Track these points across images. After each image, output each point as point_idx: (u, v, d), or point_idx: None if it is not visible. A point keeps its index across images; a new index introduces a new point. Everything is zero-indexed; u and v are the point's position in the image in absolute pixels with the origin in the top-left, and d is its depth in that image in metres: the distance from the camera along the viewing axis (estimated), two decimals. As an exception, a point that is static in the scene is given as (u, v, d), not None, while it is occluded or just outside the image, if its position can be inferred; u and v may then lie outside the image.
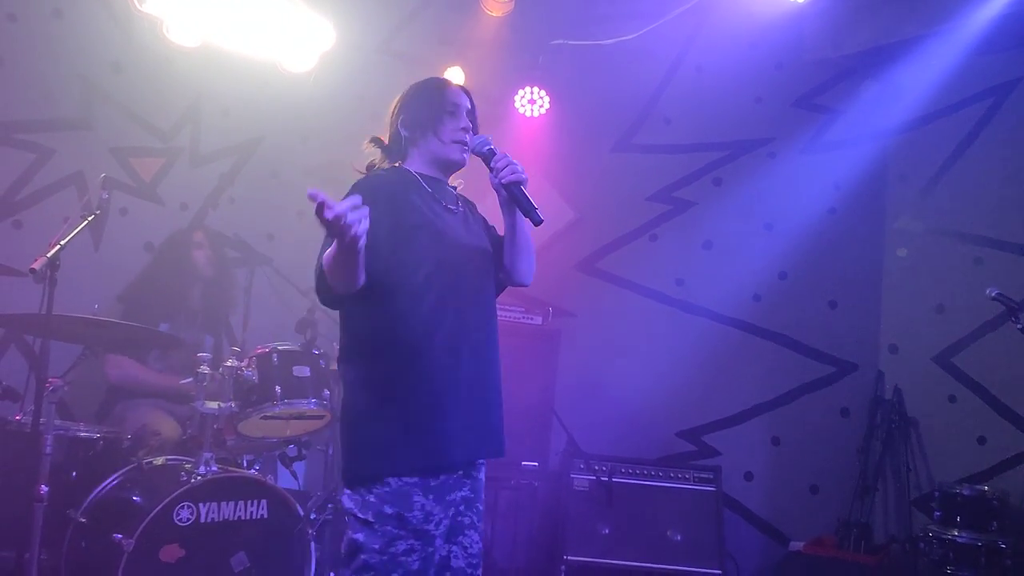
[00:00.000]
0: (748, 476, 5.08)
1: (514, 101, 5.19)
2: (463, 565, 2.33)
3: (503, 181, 2.36)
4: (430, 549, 2.21)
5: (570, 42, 5.17)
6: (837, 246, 5.14)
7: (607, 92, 5.31)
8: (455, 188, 2.53)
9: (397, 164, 2.47)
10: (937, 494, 4.37)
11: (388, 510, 2.16)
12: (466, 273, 2.35)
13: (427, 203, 2.35)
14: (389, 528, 2.16)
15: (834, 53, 5.07)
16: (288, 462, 3.95)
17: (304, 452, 3.95)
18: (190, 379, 3.39)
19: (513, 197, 2.36)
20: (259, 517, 3.25)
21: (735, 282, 5.21)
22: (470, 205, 2.57)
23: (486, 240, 2.49)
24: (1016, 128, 4.74)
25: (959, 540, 4.11)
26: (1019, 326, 3.45)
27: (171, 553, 3.00)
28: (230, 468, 3.40)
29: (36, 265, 2.82)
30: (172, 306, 4.15)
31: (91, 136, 4.55)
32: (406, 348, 2.23)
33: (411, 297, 2.25)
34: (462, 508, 2.34)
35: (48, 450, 2.95)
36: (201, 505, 3.10)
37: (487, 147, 2.42)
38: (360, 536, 2.17)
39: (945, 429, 4.80)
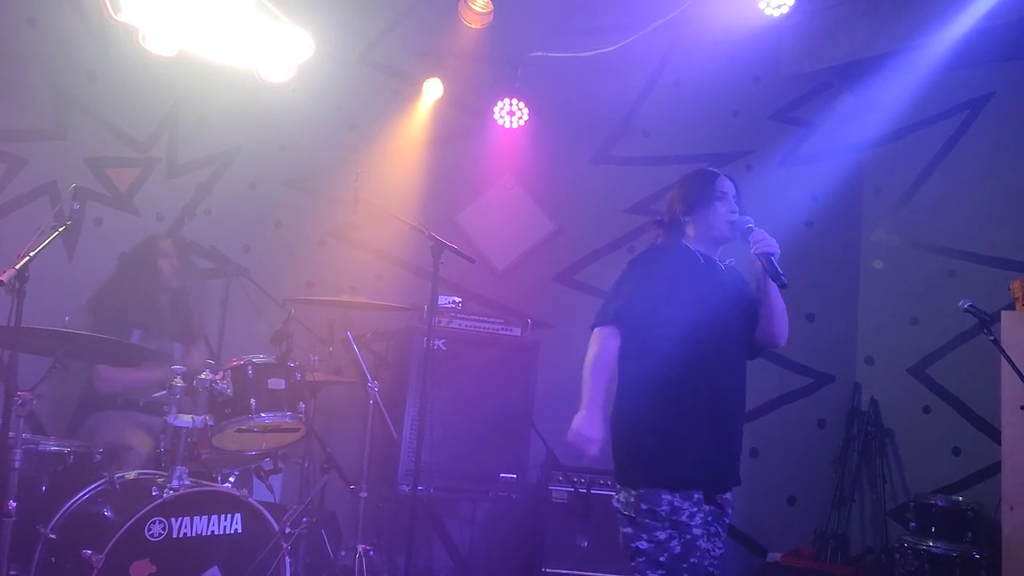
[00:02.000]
0: (726, 487, 5.08)
1: (493, 112, 5.18)
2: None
3: (756, 252, 2.80)
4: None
5: (549, 54, 5.18)
6: (814, 259, 5.17)
7: (586, 104, 5.32)
8: (726, 261, 2.98)
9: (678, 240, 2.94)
10: (912, 505, 4.40)
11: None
12: (731, 318, 2.85)
13: (702, 269, 2.85)
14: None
15: (810, 67, 5.13)
16: (264, 475, 3.90)
17: (280, 465, 3.90)
18: (163, 392, 3.35)
19: (764, 264, 2.79)
20: (233, 532, 3.21)
21: (714, 294, 5.22)
22: (735, 272, 3.01)
23: (747, 295, 2.94)
24: (990, 141, 4.80)
25: (934, 551, 4.13)
26: (991, 338, 3.49)
27: (142, 569, 2.95)
28: (203, 482, 3.36)
29: (3, 277, 2.77)
30: (143, 313, 4.09)
31: (65, 146, 4.51)
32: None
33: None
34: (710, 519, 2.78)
35: (17, 464, 2.90)
36: (173, 520, 3.06)
37: (747, 226, 2.88)
38: None
39: (920, 440, 4.83)
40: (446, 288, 4.80)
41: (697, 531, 2.61)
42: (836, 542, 4.84)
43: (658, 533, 2.60)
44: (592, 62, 5.08)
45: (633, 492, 2.68)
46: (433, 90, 5.14)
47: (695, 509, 2.63)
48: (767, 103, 5.34)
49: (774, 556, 4.80)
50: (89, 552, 2.87)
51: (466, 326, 4.67)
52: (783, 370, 5.16)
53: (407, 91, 5.21)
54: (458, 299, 4.71)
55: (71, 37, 4.49)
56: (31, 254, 2.88)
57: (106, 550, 2.85)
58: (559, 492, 4.58)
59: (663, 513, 2.61)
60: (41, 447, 3.26)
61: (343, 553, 4.09)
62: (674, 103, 5.37)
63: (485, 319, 4.77)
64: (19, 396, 2.89)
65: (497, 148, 5.31)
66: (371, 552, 3.86)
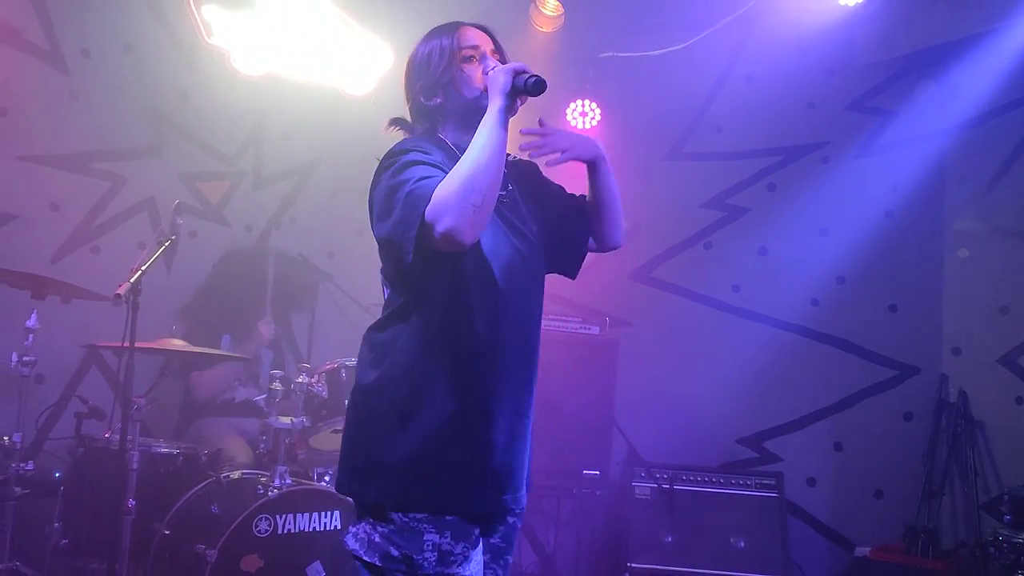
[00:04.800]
0: (811, 482, 5.05)
1: (566, 114, 5.25)
2: None
3: (501, 83, 1.90)
4: None
5: (619, 54, 5.23)
6: (896, 249, 5.09)
7: (657, 102, 5.35)
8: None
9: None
10: (1006, 497, 4.30)
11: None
12: (518, 279, 1.99)
13: None
14: None
15: (887, 55, 5.04)
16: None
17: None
18: (264, 395, 3.53)
19: (515, 86, 1.91)
20: (333, 528, 3.36)
21: (792, 287, 5.19)
22: (527, 174, 2.20)
23: (538, 224, 2.09)
24: (1078, 124, 4.66)
25: (1031, 544, 4.04)
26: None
27: (251, 563, 3.12)
28: (303, 481, 3.52)
29: (120, 291, 2.97)
30: (233, 319, 4.29)
31: (161, 163, 4.75)
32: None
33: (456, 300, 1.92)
34: None
35: (135, 466, 3.09)
36: (278, 517, 3.22)
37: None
38: None
39: (1012, 431, 4.72)
40: (524, 289, 4.89)
41: None
42: (927, 536, 4.75)
43: None
44: (662, 61, 5.10)
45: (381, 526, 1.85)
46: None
47: (472, 551, 1.85)
48: (843, 94, 5.27)
49: (862, 551, 4.75)
50: (203, 547, 3.04)
51: (545, 326, 4.70)
52: (866, 362, 5.09)
53: (481, 96, 5.31)
54: (536, 299, 4.78)
55: (164, 61, 4.72)
56: (143, 268, 3.07)
57: (219, 545, 3.02)
58: (642, 488, 4.63)
59: (426, 565, 1.79)
60: (154, 449, 3.47)
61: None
62: (746, 98, 5.35)
63: (563, 318, 4.84)
64: (135, 402, 3.08)
65: (571, 149, 5.37)
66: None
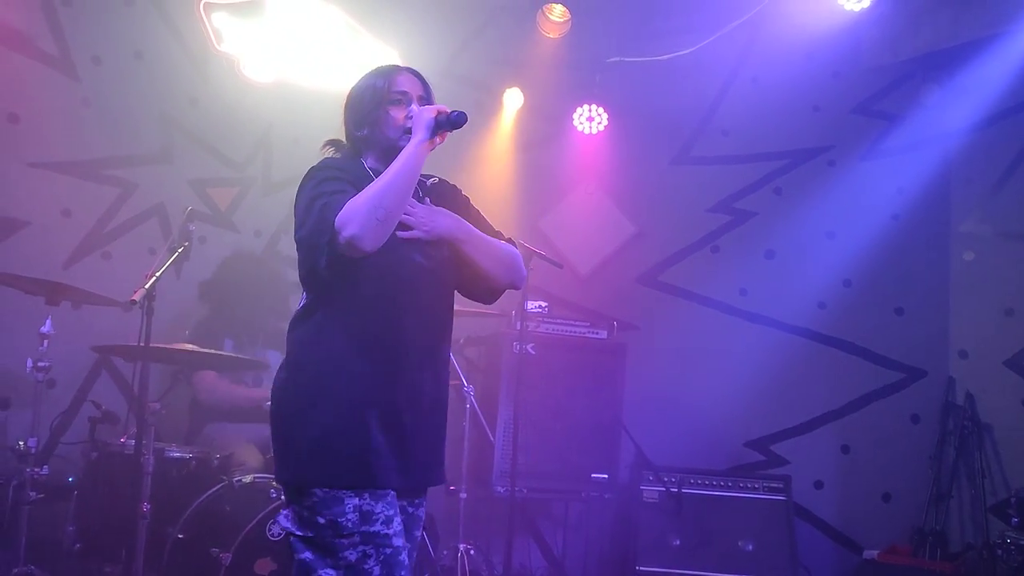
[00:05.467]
0: (818, 485, 5.07)
1: (572, 119, 5.27)
2: None
3: (423, 123, 2.10)
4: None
5: (626, 59, 5.25)
6: (902, 252, 5.11)
7: (664, 106, 5.37)
8: (429, 180, 2.31)
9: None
10: (1014, 500, 4.32)
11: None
12: (420, 288, 2.16)
13: None
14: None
15: (892, 59, 5.07)
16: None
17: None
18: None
19: (439, 124, 2.12)
20: (345, 531, 3.37)
21: (799, 291, 5.21)
22: (449, 198, 2.35)
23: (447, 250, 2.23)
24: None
25: (1039, 546, 4.05)
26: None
27: (265, 566, 3.14)
28: (314, 484, 3.53)
29: (136, 296, 3.00)
30: (235, 323, 4.30)
31: (171, 169, 4.78)
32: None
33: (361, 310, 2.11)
34: None
35: (150, 469, 3.12)
36: (290, 520, 3.23)
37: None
38: None
39: (1020, 434, 4.73)
40: (532, 293, 4.90)
41: (398, 542, 2.02)
42: (935, 539, 4.77)
43: (347, 553, 1.97)
44: (669, 65, 5.13)
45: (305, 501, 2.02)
46: (513, 100, 5.26)
47: (391, 512, 2.03)
48: (848, 97, 5.30)
49: (870, 554, 4.76)
50: (217, 550, 3.07)
51: (554, 330, 4.76)
52: (872, 365, 5.11)
53: (488, 102, 5.34)
54: (544, 304, 4.81)
55: (175, 67, 4.76)
56: (156, 274, 3.10)
57: (233, 548, 3.04)
58: (650, 491, 4.64)
59: (350, 524, 1.98)
60: (167, 453, 3.49)
61: (444, 552, 4.23)
62: (753, 102, 5.37)
63: (572, 323, 4.86)
64: (150, 406, 3.11)
65: (577, 154, 5.40)
66: (472, 551, 3.99)
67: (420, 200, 2.23)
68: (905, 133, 5.18)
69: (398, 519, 2.04)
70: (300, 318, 2.19)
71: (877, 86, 5.27)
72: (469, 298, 2.40)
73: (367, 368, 2.07)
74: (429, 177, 2.34)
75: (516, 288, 2.40)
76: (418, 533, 2.24)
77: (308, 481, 2.02)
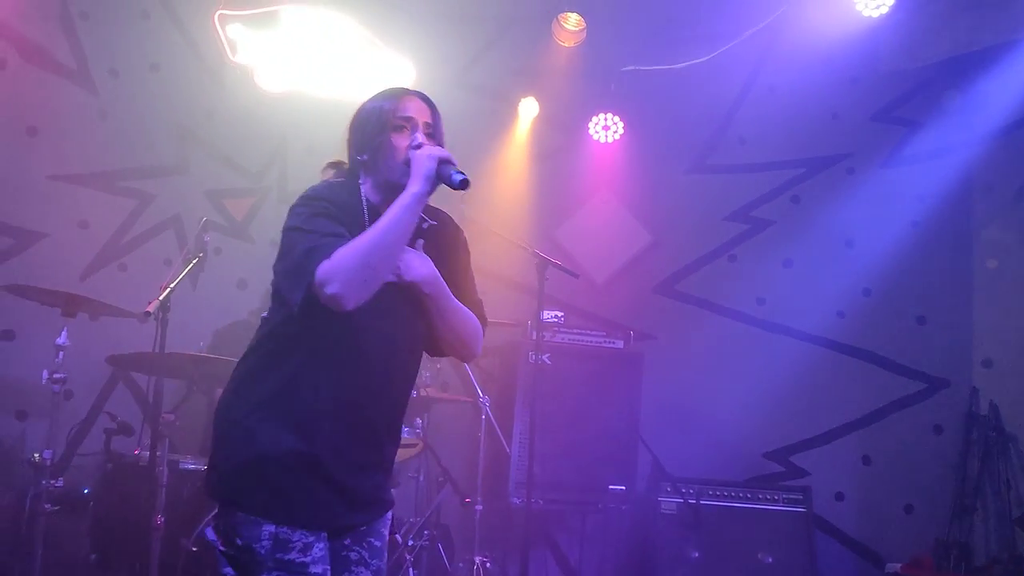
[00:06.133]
0: (839, 496, 5.00)
1: (588, 128, 5.25)
2: None
3: (423, 168, 2.00)
4: None
5: (642, 68, 5.22)
6: (923, 260, 5.05)
7: (680, 115, 5.34)
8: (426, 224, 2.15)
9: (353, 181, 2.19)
10: (1041, 513, 4.24)
11: None
12: (395, 341, 2.10)
13: (360, 227, 2.03)
14: None
15: (912, 65, 5.02)
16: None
17: (397, 480, 4.05)
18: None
19: (439, 175, 2.01)
20: (359, 544, 3.34)
21: (818, 300, 5.16)
22: (446, 243, 2.25)
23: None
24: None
25: (1067, 561, 3.97)
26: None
27: (278, 580, 3.11)
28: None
29: (150, 308, 3.00)
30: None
31: (187, 180, 4.80)
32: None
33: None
34: None
35: (164, 481, 3.11)
36: (305, 533, 3.21)
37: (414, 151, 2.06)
38: None
39: (1047, 445, 4.65)
40: (547, 303, 4.86)
41: (316, 569, 1.95)
42: (959, 552, 4.69)
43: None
44: (685, 73, 5.09)
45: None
46: (529, 109, 5.25)
47: (310, 539, 1.96)
48: (867, 104, 5.25)
49: (893, 567, 4.69)
50: (230, 565, 3.04)
51: (569, 340, 4.73)
52: (894, 375, 5.04)
53: (503, 111, 5.33)
54: (560, 313, 4.78)
55: (190, 79, 4.78)
56: (171, 285, 3.10)
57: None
58: (668, 503, 4.59)
59: (263, 552, 1.93)
60: (181, 465, 3.49)
61: (460, 565, 4.20)
62: (770, 110, 5.33)
63: (588, 332, 4.82)
64: (164, 418, 3.10)
65: (593, 163, 5.38)
66: (488, 564, 3.96)
67: (412, 244, 2.09)
68: (925, 140, 5.12)
69: (319, 546, 1.96)
70: (253, 350, 2.09)
71: (896, 92, 5.21)
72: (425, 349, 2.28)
73: (305, 431, 1.97)
74: (429, 218, 2.16)
75: (463, 361, 2.37)
76: (378, 563, 2.12)
77: (230, 501, 1.99)
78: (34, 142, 4.43)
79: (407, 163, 2.03)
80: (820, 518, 4.84)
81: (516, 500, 4.34)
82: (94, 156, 4.57)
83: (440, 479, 4.13)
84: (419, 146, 2.05)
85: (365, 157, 2.12)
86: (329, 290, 1.85)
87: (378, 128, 2.10)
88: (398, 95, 2.16)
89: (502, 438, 4.32)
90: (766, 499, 4.65)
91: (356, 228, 1.99)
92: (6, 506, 3.59)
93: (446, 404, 4.70)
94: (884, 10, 4.53)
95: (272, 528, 1.92)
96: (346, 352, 2.01)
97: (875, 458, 5.00)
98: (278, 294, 2.04)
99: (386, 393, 2.09)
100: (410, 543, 3.54)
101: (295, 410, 1.98)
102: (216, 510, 2.09)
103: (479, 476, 4.14)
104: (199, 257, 3.38)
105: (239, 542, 1.93)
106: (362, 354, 2.03)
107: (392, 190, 2.04)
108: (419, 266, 2.09)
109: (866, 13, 4.58)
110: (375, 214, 2.01)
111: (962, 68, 4.90)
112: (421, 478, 4.24)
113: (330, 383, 2.00)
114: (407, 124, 2.10)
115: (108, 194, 4.60)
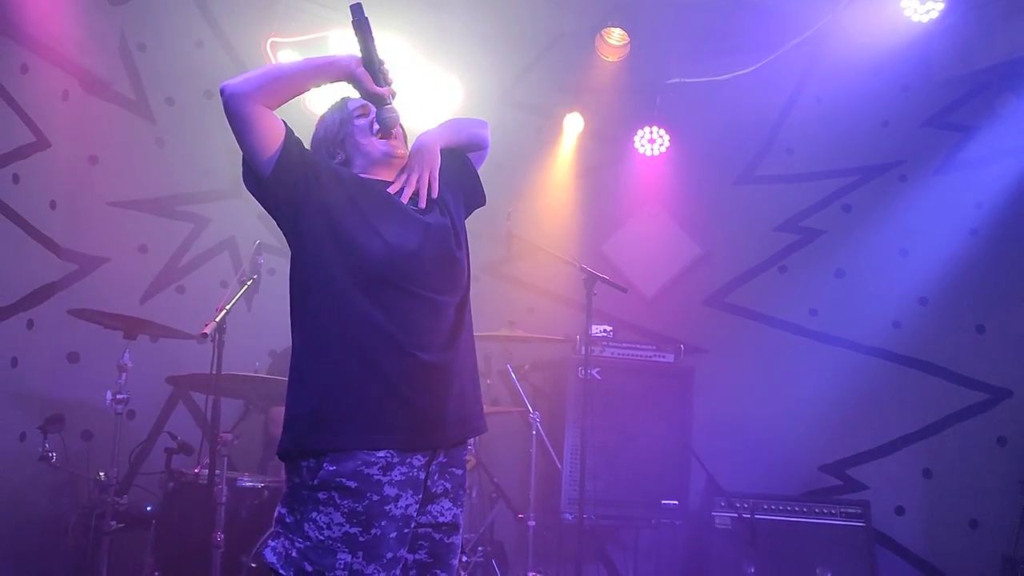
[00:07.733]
0: (899, 511, 4.89)
1: (634, 141, 5.25)
2: None
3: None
4: None
5: (687, 80, 5.22)
6: (981, 268, 4.93)
7: (726, 126, 5.31)
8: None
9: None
10: (1113, 527, 4.09)
11: None
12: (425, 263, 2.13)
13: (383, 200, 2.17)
14: None
15: (966, 69, 4.92)
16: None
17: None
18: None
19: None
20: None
21: (872, 310, 5.07)
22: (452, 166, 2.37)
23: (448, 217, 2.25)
24: None
25: None
26: None
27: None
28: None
29: (207, 329, 3.07)
30: None
31: (241, 204, 4.89)
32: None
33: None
34: None
35: (223, 499, 3.18)
36: (360, 549, 3.25)
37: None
38: None
39: (1116, 456, 4.50)
40: (596, 317, 4.85)
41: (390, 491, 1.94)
42: (1027, 568, 4.55)
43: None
44: (730, 85, 5.07)
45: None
46: (574, 124, 5.28)
47: (395, 460, 1.97)
48: (919, 111, 5.16)
49: (958, 583, 4.57)
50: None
51: (619, 354, 4.72)
52: (954, 385, 4.92)
53: (549, 127, 5.37)
54: (609, 328, 4.77)
55: (243, 104, 4.89)
56: (227, 307, 3.18)
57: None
58: (722, 518, 4.54)
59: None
60: (239, 483, 3.56)
61: (514, 580, 4.21)
62: (817, 119, 5.27)
63: (638, 347, 4.81)
64: (222, 437, 3.17)
65: (640, 176, 5.38)
66: (541, 580, 3.96)
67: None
68: (981, 145, 5.01)
69: (400, 469, 1.95)
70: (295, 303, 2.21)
71: (950, 98, 5.12)
72: (471, 205, 2.40)
73: (376, 338, 2.01)
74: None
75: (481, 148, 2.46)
76: (461, 493, 2.13)
77: (296, 451, 1.97)
78: (95, 170, 4.58)
79: (372, 125, 2.19)
80: (880, 533, 4.74)
81: (568, 516, 4.33)
82: (152, 182, 4.71)
83: (493, 495, 4.14)
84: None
85: (341, 156, 2.24)
86: (228, 90, 2.02)
87: (339, 123, 2.25)
88: (344, 100, 2.32)
89: (553, 453, 4.32)
90: (823, 513, 4.57)
91: (367, 201, 2.12)
92: (73, 524, 3.69)
93: (496, 420, 4.71)
94: (934, 15, 4.47)
95: (347, 557, 1.87)
96: (389, 276, 2.04)
97: (936, 471, 4.88)
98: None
99: (435, 303, 2.09)
100: (464, 559, 3.55)
101: (356, 340, 2.00)
102: (273, 527, 2.00)
103: (531, 492, 4.15)
104: (253, 279, 3.46)
105: (308, 568, 1.87)
106: (400, 275, 2.05)
107: (377, 164, 2.21)
108: (426, 148, 2.24)
109: (915, 19, 4.52)
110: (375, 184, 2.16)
111: (1017, 71, 4.79)
112: (474, 495, 4.25)
113: (380, 308, 2.01)
114: (364, 111, 2.25)
115: (166, 219, 4.73)
